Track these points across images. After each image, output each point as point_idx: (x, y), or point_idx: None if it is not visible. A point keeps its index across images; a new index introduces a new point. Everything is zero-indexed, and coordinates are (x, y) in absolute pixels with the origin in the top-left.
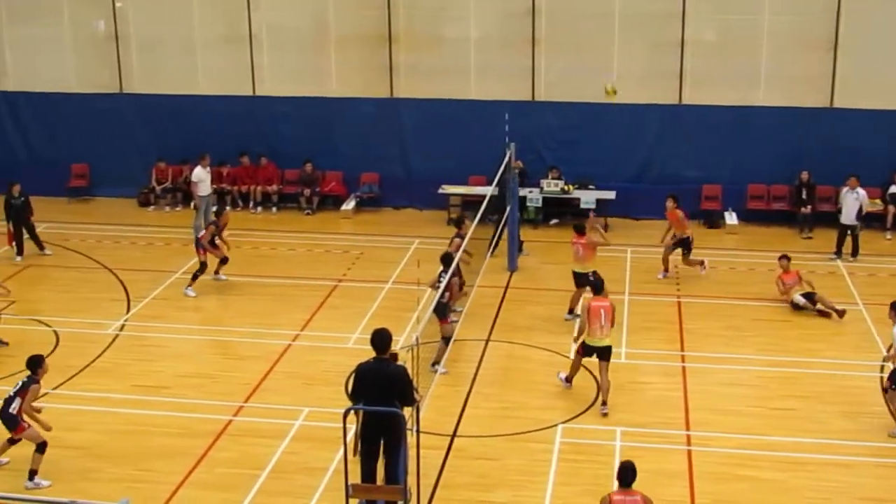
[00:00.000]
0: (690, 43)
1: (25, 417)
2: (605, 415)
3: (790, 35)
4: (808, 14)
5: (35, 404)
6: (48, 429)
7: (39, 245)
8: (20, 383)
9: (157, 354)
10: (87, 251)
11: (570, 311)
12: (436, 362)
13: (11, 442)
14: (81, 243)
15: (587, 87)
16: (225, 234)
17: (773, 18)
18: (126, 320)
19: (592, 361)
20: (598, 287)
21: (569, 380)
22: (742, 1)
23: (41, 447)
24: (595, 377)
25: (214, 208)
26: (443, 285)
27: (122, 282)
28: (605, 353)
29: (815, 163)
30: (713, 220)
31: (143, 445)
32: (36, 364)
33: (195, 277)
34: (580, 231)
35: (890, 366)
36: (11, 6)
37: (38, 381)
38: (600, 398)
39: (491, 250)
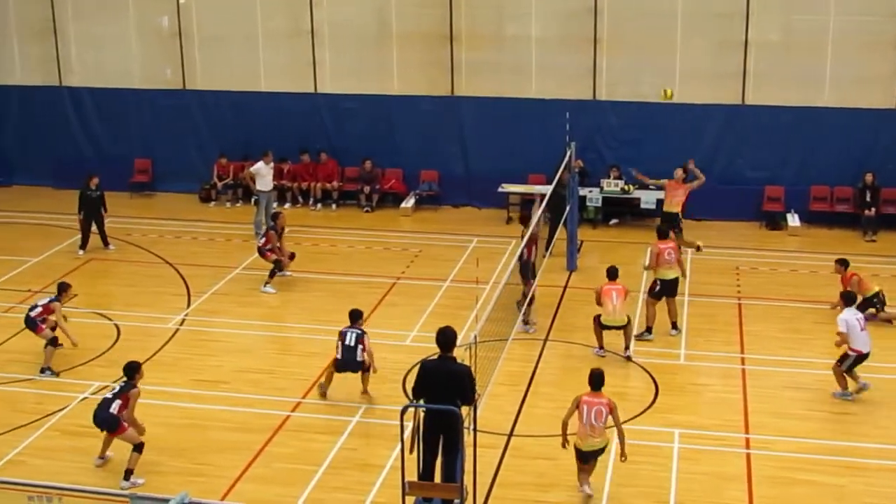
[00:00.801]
0: (754, 43)
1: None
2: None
3: (856, 35)
4: (874, 14)
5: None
6: (142, 433)
7: (105, 241)
8: (118, 387)
9: (217, 349)
10: (148, 246)
11: (674, 326)
12: (526, 321)
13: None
14: (143, 238)
15: (649, 86)
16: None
17: (839, 19)
18: (186, 315)
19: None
20: (612, 273)
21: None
22: (807, 1)
23: (139, 447)
24: (653, 377)
25: (275, 204)
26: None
27: (182, 276)
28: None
29: (879, 165)
30: (775, 222)
31: (201, 439)
32: (133, 370)
33: (272, 274)
34: (664, 235)
35: None
36: (77, 3)
37: (135, 387)
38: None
39: (548, 250)
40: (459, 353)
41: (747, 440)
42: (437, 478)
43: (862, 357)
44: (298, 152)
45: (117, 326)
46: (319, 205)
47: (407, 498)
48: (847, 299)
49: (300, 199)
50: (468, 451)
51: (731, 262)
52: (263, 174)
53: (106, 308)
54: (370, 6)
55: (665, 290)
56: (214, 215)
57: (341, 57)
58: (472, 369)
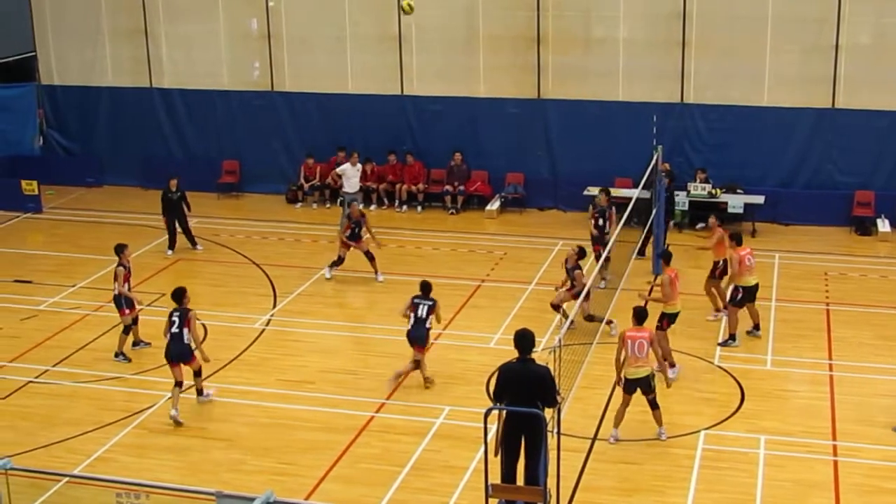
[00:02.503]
0: (845, 47)
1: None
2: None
3: None
4: None
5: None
6: (207, 360)
7: (192, 241)
8: (177, 319)
9: (302, 349)
10: (235, 246)
11: (756, 327)
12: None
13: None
14: (231, 238)
15: (737, 89)
16: (374, 230)
17: None
18: (272, 315)
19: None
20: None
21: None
22: None
23: (199, 372)
24: (739, 382)
25: (360, 205)
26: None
27: (269, 277)
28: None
29: None
30: (865, 227)
31: (286, 439)
32: (181, 295)
33: (333, 264)
34: (741, 241)
35: None
36: (169, 4)
37: (190, 309)
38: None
39: (636, 252)
40: (544, 357)
41: (834, 447)
42: (520, 481)
43: None
44: (385, 153)
45: (204, 326)
46: (405, 206)
47: (490, 500)
48: None
49: (386, 201)
50: (552, 454)
51: (819, 267)
52: (350, 175)
53: (193, 307)
54: (458, 9)
55: (747, 296)
56: (301, 216)
57: (428, 59)
58: (556, 372)
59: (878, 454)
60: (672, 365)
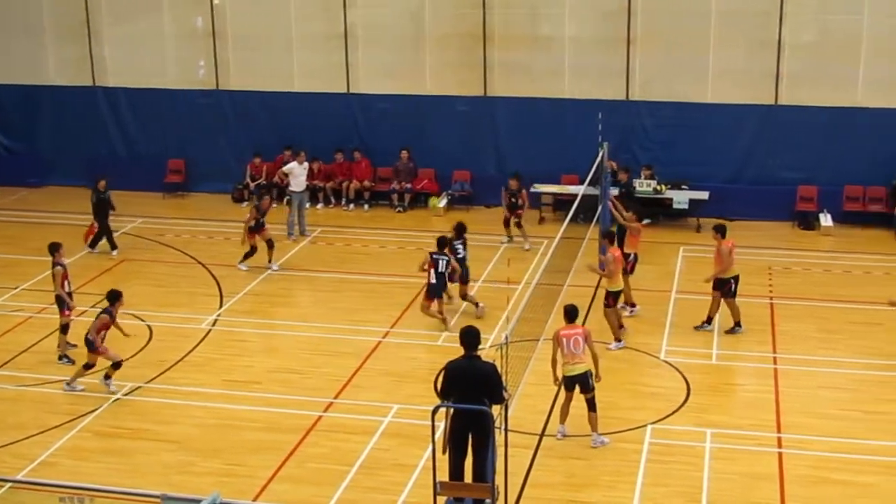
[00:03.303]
0: (788, 43)
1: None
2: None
3: (891, 36)
4: None
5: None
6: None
7: (112, 244)
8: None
9: (249, 349)
10: (181, 246)
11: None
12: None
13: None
14: (176, 238)
15: (683, 86)
16: (311, 235)
17: (873, 20)
18: (219, 315)
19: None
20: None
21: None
22: (842, 1)
23: (89, 366)
24: (685, 377)
25: (308, 205)
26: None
27: (215, 277)
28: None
29: None
30: (808, 222)
31: (234, 440)
32: (114, 298)
33: (246, 256)
34: (722, 232)
35: None
36: (112, 2)
37: (109, 313)
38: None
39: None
40: (491, 354)
41: (780, 440)
42: (468, 478)
43: None
44: (333, 152)
45: (150, 327)
46: (352, 205)
47: (439, 498)
48: None
49: (333, 199)
50: (500, 451)
51: (763, 261)
52: (297, 174)
53: (139, 309)
54: (404, 7)
55: (721, 285)
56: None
57: (375, 58)
58: (503, 369)
59: (823, 446)
60: (618, 339)
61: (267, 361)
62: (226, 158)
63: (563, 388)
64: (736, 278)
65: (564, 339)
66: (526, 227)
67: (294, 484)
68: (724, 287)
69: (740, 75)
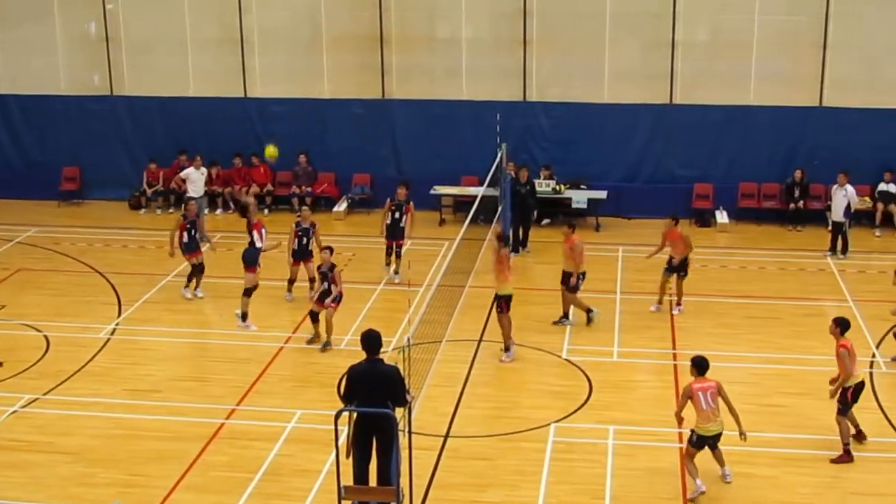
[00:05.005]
0: (681, 43)
1: None
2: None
3: (781, 35)
4: (798, 14)
5: None
6: None
7: None
8: None
9: (149, 358)
10: (77, 255)
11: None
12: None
13: None
14: (72, 247)
15: (579, 87)
16: (213, 240)
17: (764, 18)
18: (117, 324)
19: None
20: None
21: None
22: (733, 1)
23: None
24: (587, 375)
25: (206, 211)
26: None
27: (113, 285)
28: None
29: (806, 161)
30: (705, 219)
31: (135, 450)
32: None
33: (189, 278)
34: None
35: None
36: (1, 8)
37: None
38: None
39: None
40: (393, 356)
41: (680, 435)
42: (373, 481)
43: None
44: (231, 157)
45: (46, 338)
46: None
47: (343, 502)
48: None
49: (232, 205)
50: (404, 454)
51: (662, 259)
52: (194, 179)
53: (35, 319)
54: (300, 10)
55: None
56: (145, 222)
57: (271, 61)
58: (406, 371)
59: (723, 439)
60: (508, 349)
61: (168, 370)
62: (122, 165)
63: (690, 445)
64: (583, 274)
65: (700, 394)
66: (427, 229)
67: (197, 493)
68: (567, 281)
69: (635, 75)
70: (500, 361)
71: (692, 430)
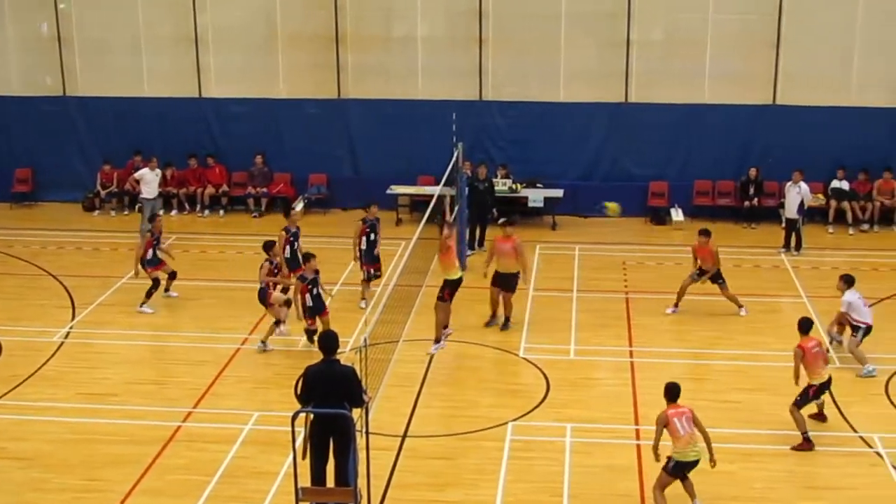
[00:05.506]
0: (636, 42)
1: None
2: None
3: (734, 34)
4: (751, 13)
5: None
6: None
7: None
8: None
9: (104, 361)
10: (30, 258)
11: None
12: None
13: None
14: (25, 249)
15: (535, 86)
16: (165, 244)
17: (718, 17)
18: (72, 327)
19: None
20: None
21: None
22: (687, 0)
23: None
24: (544, 373)
25: (161, 212)
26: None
27: (67, 288)
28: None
29: (760, 159)
30: (660, 217)
31: (90, 454)
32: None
33: (149, 295)
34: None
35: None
36: None
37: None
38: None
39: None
40: (351, 357)
41: (637, 432)
42: (331, 482)
43: (869, 328)
44: (185, 157)
45: None
46: (207, 211)
47: (301, 503)
48: (847, 281)
49: (187, 206)
50: (362, 454)
51: (618, 257)
52: (148, 180)
53: None
54: (255, 10)
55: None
56: (99, 224)
57: (226, 61)
58: (363, 372)
59: None
60: (438, 339)
61: (123, 373)
62: (75, 166)
63: (666, 473)
64: (516, 275)
65: (676, 420)
66: (384, 229)
67: (154, 497)
68: (512, 283)
69: (591, 75)
70: (427, 353)
71: (669, 457)
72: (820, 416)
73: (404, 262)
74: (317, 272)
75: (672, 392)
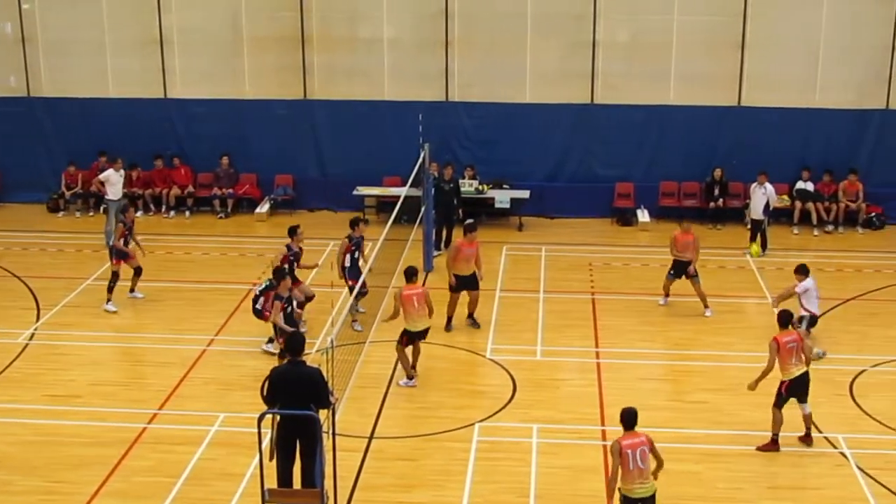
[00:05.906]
0: (602, 43)
1: None
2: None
3: (699, 35)
4: (716, 15)
5: None
6: None
7: None
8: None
9: (69, 363)
10: None
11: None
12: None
13: None
14: None
15: (501, 87)
16: (139, 237)
17: (683, 19)
18: (36, 329)
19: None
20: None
21: (410, 377)
22: (653, 2)
23: None
24: (511, 374)
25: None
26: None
27: (31, 290)
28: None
29: (725, 160)
30: (626, 218)
31: (55, 456)
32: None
33: (110, 289)
34: (470, 230)
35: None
36: None
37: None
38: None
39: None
40: (317, 358)
41: (603, 432)
42: (297, 484)
43: (815, 319)
44: (151, 158)
45: None
46: (173, 212)
47: None
48: (803, 271)
49: (153, 207)
50: (328, 456)
51: (584, 258)
52: (113, 182)
53: None
54: (220, 11)
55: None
56: (64, 225)
57: (192, 62)
58: (330, 373)
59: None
60: (409, 378)
61: (88, 374)
62: (40, 167)
63: None
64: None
65: (630, 452)
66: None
67: (119, 499)
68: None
69: (557, 76)
70: (398, 384)
71: (618, 489)
72: (807, 439)
73: (370, 263)
74: (290, 290)
75: (628, 419)
